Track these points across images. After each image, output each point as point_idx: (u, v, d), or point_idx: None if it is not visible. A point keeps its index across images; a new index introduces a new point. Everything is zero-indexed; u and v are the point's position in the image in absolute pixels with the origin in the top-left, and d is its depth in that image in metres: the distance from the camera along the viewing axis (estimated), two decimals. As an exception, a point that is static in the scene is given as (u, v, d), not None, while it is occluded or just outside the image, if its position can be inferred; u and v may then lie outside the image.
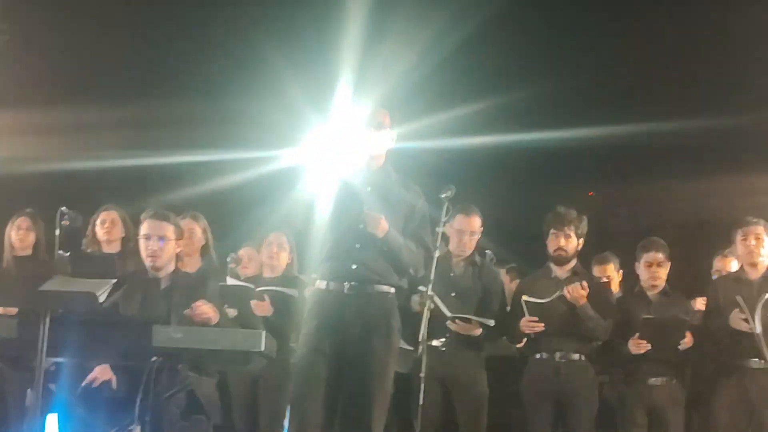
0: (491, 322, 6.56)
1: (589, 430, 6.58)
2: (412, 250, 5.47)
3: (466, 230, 6.77)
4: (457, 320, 6.52)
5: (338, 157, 5.62)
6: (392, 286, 5.45)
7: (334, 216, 5.41)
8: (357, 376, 5.28)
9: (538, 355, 6.69)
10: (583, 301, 6.46)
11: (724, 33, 10.50)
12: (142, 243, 6.03)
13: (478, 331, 6.59)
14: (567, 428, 6.68)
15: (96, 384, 5.67)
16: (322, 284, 5.44)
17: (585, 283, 6.49)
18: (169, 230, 6.03)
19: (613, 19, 11.22)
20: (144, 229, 6.02)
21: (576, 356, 6.59)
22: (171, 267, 6.08)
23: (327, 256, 5.47)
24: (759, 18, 9.84)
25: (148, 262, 6.00)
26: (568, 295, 6.49)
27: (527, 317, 6.56)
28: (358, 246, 5.37)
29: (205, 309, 5.70)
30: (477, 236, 6.86)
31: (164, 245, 5.99)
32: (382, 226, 5.26)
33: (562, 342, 6.60)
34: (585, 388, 6.60)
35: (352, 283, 5.33)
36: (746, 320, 6.34)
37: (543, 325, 6.52)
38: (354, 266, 5.35)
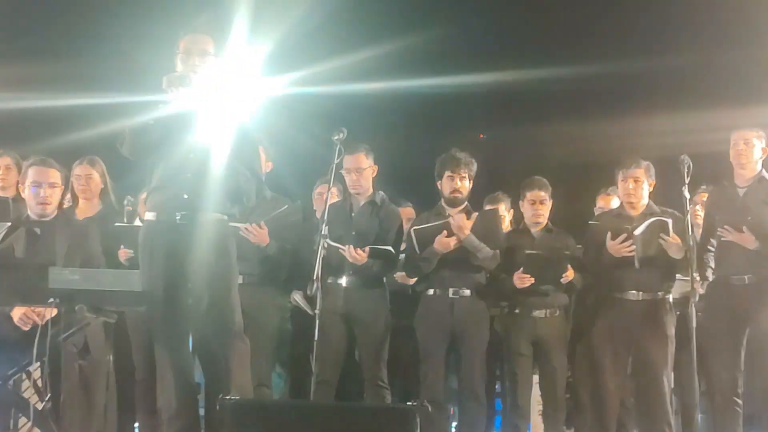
0: (389, 248, 6.66)
1: (480, 362, 6.71)
2: (248, 178, 5.53)
3: (352, 168, 6.81)
4: (350, 247, 6.58)
5: (230, 98, 5.64)
6: (225, 214, 5.49)
7: (166, 146, 5.44)
8: (206, 301, 5.36)
9: (431, 291, 6.80)
10: (467, 231, 6.59)
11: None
12: (30, 190, 5.98)
13: (365, 258, 6.62)
14: (459, 360, 6.81)
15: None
16: (151, 215, 5.47)
17: (465, 216, 6.63)
18: (57, 176, 6.02)
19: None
20: (32, 176, 5.97)
21: (467, 292, 6.72)
22: (56, 212, 6.07)
23: (157, 186, 5.49)
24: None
25: (38, 210, 5.97)
26: (452, 224, 6.60)
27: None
28: (189, 175, 5.39)
29: None
30: (367, 173, 6.89)
31: (53, 192, 5.99)
32: None
33: (454, 278, 6.72)
34: (477, 323, 6.74)
35: (183, 213, 5.37)
36: (626, 242, 6.51)
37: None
38: (185, 196, 5.39)
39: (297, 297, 6.96)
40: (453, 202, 6.85)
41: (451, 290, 6.73)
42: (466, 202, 6.92)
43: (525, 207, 7.07)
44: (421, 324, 6.85)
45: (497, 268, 6.87)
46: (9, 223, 5.48)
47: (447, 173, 6.85)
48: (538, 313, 6.84)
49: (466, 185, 6.86)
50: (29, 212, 6.02)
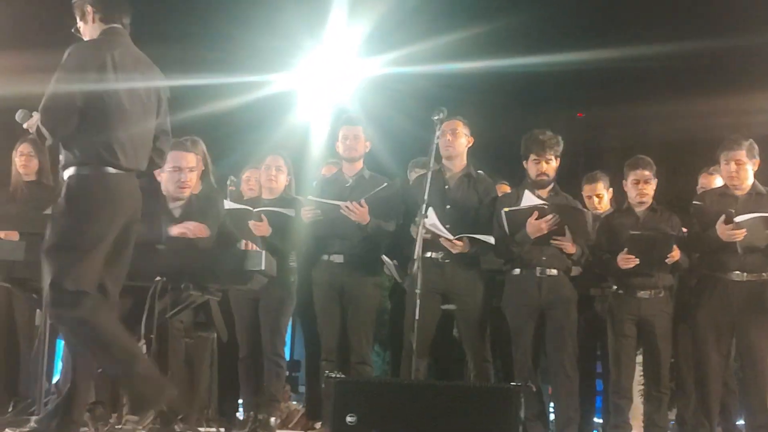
0: (491, 240, 6.58)
1: (570, 340, 6.62)
2: None
3: (447, 129, 6.72)
4: (453, 240, 6.51)
5: (331, 81, 5.61)
6: None
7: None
8: None
9: (517, 271, 6.73)
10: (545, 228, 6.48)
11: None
12: (169, 174, 5.96)
13: (466, 249, 6.57)
14: (548, 340, 6.70)
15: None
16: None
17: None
18: (194, 160, 6.02)
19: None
20: (171, 161, 5.81)
21: (554, 272, 6.63)
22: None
23: None
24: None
25: (177, 193, 5.96)
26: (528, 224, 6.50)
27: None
28: None
29: (191, 226, 5.73)
30: (462, 140, 6.84)
31: (191, 176, 5.98)
32: None
33: (541, 256, 6.63)
34: (565, 302, 6.65)
35: None
36: (733, 228, 6.31)
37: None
38: None
39: (386, 259, 6.87)
40: (540, 185, 6.74)
41: (538, 269, 6.64)
42: (552, 183, 6.80)
43: (629, 187, 6.88)
44: (509, 304, 6.80)
45: (600, 248, 6.78)
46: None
47: (532, 156, 6.74)
48: (642, 294, 6.69)
49: (552, 166, 6.75)
50: (165, 193, 6.02)
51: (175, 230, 5.72)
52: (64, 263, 4.66)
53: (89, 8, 4.99)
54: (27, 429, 4.69)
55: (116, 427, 5.45)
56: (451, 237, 6.50)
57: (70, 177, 4.82)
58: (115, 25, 5.01)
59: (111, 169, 4.79)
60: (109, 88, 4.79)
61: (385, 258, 6.84)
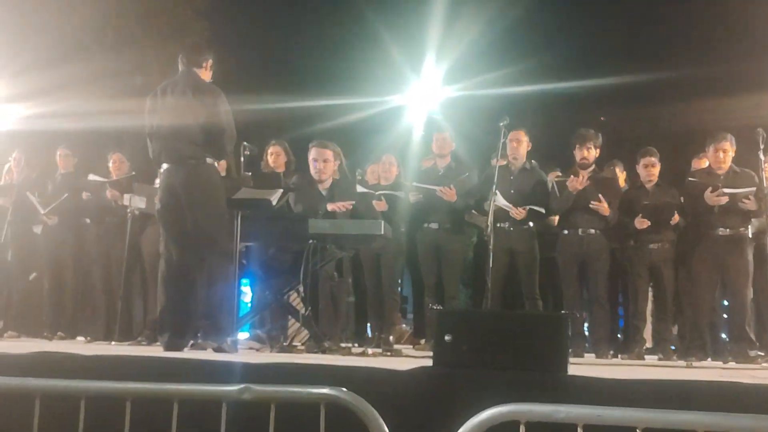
0: (542, 210, 6.49)
1: (603, 280, 6.49)
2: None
3: (514, 138, 6.61)
4: (514, 208, 6.42)
5: (427, 101, 5.53)
6: None
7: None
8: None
9: (566, 231, 6.57)
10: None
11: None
12: (312, 165, 5.94)
13: (525, 214, 6.46)
14: (588, 282, 6.56)
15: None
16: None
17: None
18: (329, 154, 5.97)
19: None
20: (312, 154, 5.93)
21: (593, 231, 6.45)
22: (330, 179, 6.00)
23: None
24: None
25: (316, 177, 5.93)
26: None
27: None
28: None
29: (340, 204, 5.71)
30: (525, 145, 6.70)
31: (326, 165, 5.94)
32: None
33: (583, 221, 6.47)
34: (600, 253, 6.48)
35: None
36: (720, 196, 6.15)
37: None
38: None
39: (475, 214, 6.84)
40: (582, 167, 6.58)
41: (580, 230, 6.48)
42: (593, 165, 6.63)
43: (640, 169, 6.72)
44: (560, 254, 6.64)
45: (623, 213, 6.57)
46: (281, 190, 5.50)
47: (577, 145, 6.61)
48: (652, 246, 6.51)
49: (592, 153, 6.59)
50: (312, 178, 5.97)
51: (330, 206, 5.71)
52: None
53: (210, 62, 5.16)
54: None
55: (283, 344, 5.51)
56: (514, 209, 6.39)
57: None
58: None
59: None
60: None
61: (474, 214, 6.79)
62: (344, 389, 2.18)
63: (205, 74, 5.13)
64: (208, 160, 4.91)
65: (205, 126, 4.86)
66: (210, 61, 5.16)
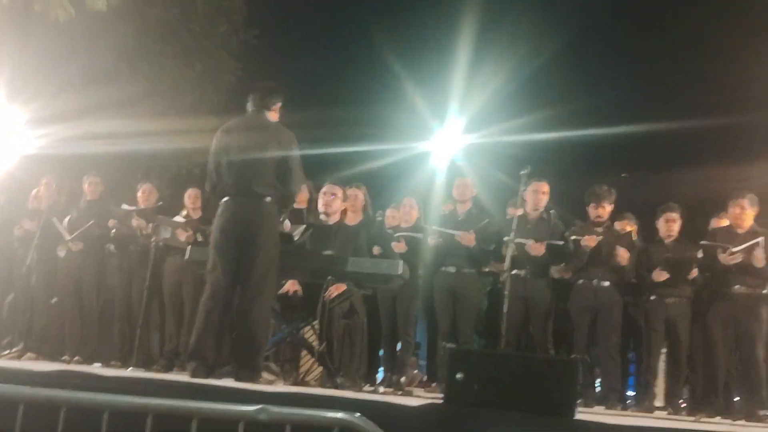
0: (561, 242, 6.55)
1: (615, 334, 6.52)
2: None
3: (538, 190, 6.69)
4: (531, 242, 6.48)
5: (450, 147, 5.66)
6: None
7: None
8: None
9: (580, 281, 6.63)
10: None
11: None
12: (320, 198, 6.14)
13: (542, 250, 6.50)
14: (600, 334, 6.58)
15: (289, 292, 5.83)
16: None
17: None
18: (338, 191, 6.13)
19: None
20: (324, 189, 6.13)
21: (607, 283, 6.51)
22: (337, 218, 6.13)
23: None
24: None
25: (322, 209, 6.09)
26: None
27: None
28: None
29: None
30: (545, 196, 6.75)
31: (333, 199, 6.09)
32: None
33: (597, 272, 6.53)
34: (613, 306, 6.53)
35: None
36: (732, 255, 6.20)
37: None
38: None
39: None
40: (596, 224, 6.68)
41: (594, 281, 6.54)
42: (607, 221, 6.72)
43: (660, 224, 6.75)
44: (573, 304, 6.69)
45: (641, 267, 6.64)
46: (304, 226, 5.61)
47: (592, 203, 6.70)
48: (670, 300, 6.53)
49: (606, 209, 6.69)
50: (321, 214, 6.15)
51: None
52: None
53: (279, 105, 5.24)
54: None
55: (296, 378, 5.58)
56: (532, 243, 6.46)
57: None
58: None
59: None
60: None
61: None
62: (358, 414, 2.27)
63: (273, 116, 5.24)
64: (272, 198, 5.00)
65: (278, 166, 4.99)
66: (279, 104, 5.27)
